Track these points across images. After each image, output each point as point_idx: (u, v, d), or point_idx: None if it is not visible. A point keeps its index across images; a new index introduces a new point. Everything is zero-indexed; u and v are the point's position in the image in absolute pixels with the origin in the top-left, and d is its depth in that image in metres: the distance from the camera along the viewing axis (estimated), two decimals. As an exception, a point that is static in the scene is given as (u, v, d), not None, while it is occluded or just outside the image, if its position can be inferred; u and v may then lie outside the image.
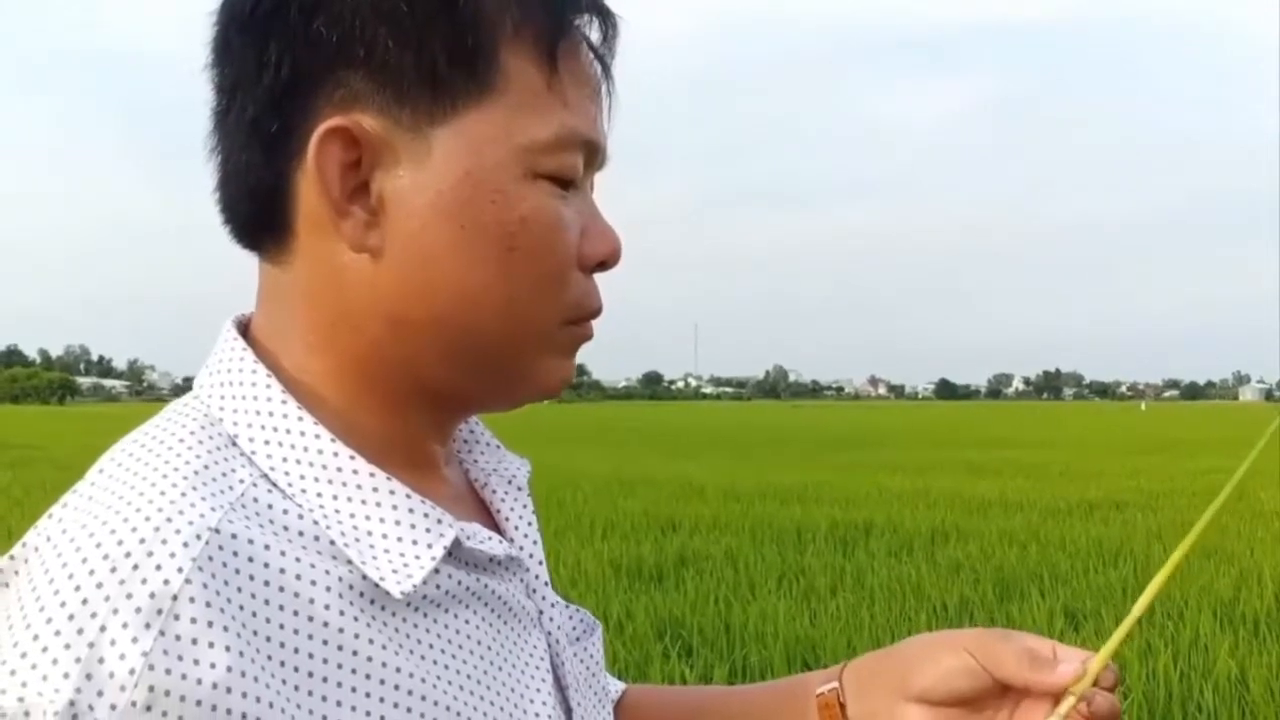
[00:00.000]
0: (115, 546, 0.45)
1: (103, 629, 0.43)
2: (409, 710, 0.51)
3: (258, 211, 0.57)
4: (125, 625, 0.43)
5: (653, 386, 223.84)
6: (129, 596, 0.44)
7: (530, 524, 0.66)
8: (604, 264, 0.60)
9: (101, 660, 0.42)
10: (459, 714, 0.53)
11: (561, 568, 6.82)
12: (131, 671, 0.42)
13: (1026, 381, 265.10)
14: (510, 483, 0.67)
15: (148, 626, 0.43)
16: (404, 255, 0.54)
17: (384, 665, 0.51)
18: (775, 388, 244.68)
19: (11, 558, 0.49)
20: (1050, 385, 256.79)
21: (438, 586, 0.55)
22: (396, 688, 0.51)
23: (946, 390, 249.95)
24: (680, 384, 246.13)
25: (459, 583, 0.57)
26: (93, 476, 0.52)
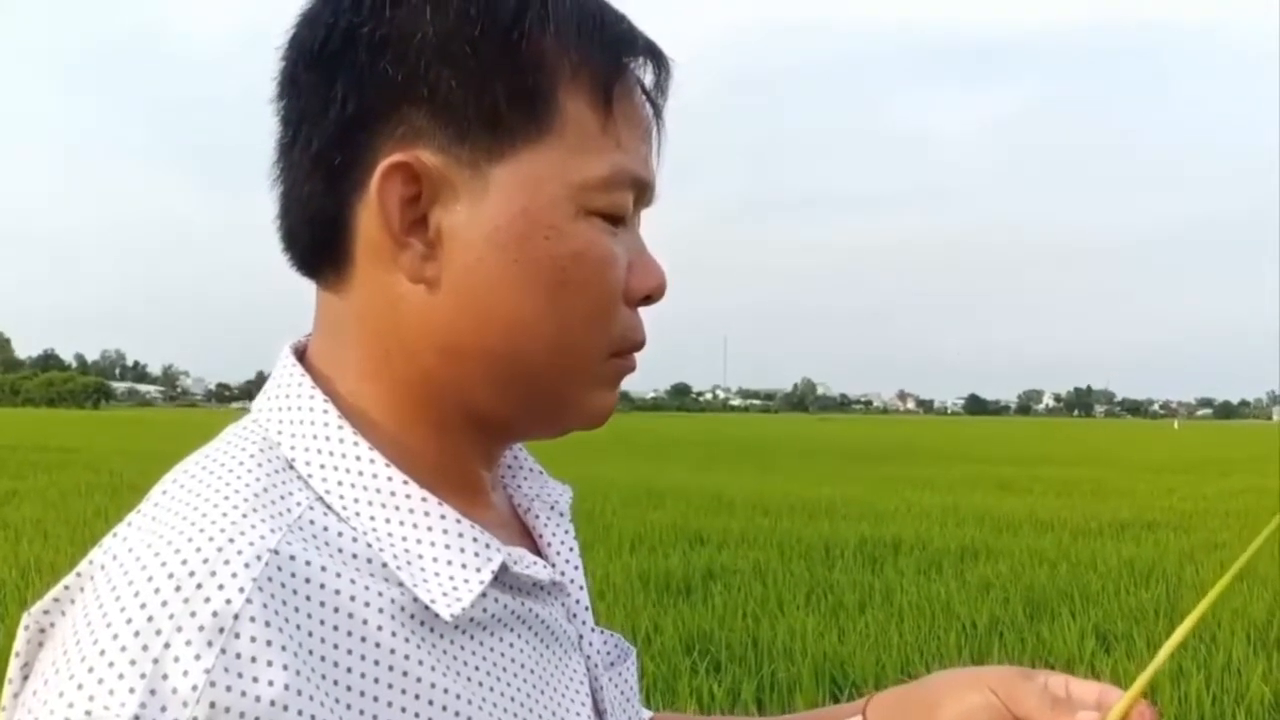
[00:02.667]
0: (180, 566, 0.47)
1: (167, 646, 0.44)
2: None
3: (318, 241, 0.59)
4: (189, 643, 0.45)
5: (681, 398, 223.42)
6: (193, 615, 0.45)
7: (572, 549, 0.68)
8: (649, 298, 0.62)
9: (165, 676, 0.44)
10: None
11: (590, 579, 6.83)
12: (194, 688, 0.44)
13: (1057, 398, 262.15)
14: (553, 508, 0.69)
15: (210, 644, 0.45)
16: (459, 287, 0.57)
17: (432, 686, 0.52)
18: (803, 400, 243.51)
19: (78, 574, 0.51)
20: (1081, 402, 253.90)
21: (484, 610, 0.57)
22: (444, 708, 0.52)
23: (976, 406, 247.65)
24: (708, 396, 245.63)
25: (504, 606, 0.58)
26: (156, 497, 0.54)
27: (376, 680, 0.51)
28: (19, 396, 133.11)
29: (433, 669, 0.53)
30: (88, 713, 0.43)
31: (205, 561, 0.47)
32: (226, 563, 0.47)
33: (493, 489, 0.66)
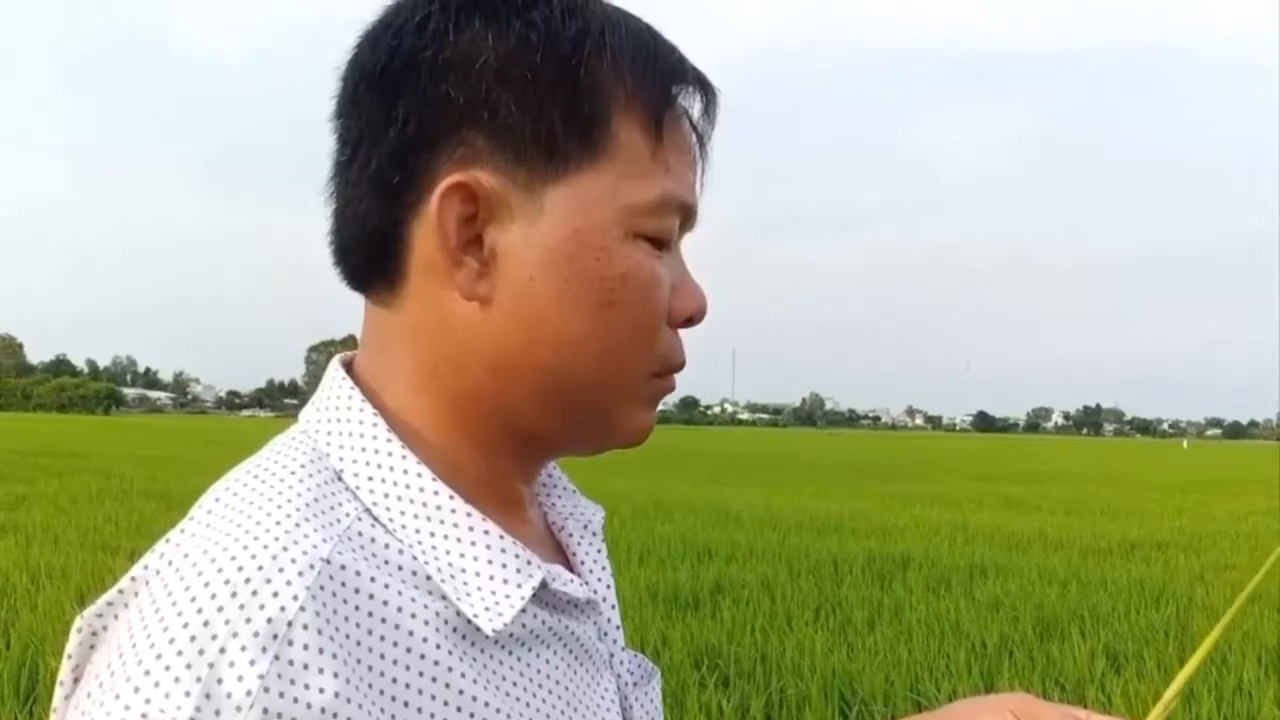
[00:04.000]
0: (235, 572, 0.47)
1: (222, 651, 0.45)
2: None
3: (373, 256, 0.60)
4: (244, 649, 0.45)
5: (689, 411, 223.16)
6: (247, 621, 0.46)
7: (604, 569, 0.69)
8: (691, 320, 0.64)
9: (220, 681, 0.45)
10: None
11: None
12: (248, 693, 0.44)
13: (1066, 416, 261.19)
14: (586, 528, 0.70)
15: (264, 651, 0.45)
16: (511, 304, 0.58)
17: (474, 699, 0.53)
18: (811, 415, 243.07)
19: (132, 579, 0.52)
20: (1090, 420, 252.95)
21: (523, 625, 0.58)
22: None
23: (984, 422, 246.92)
24: (717, 409, 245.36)
25: (543, 623, 0.59)
26: (208, 505, 0.55)
27: (420, 691, 0.51)
28: (30, 402, 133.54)
29: (474, 682, 0.54)
30: (143, 715, 0.44)
31: (260, 569, 0.48)
32: (280, 570, 0.48)
33: (530, 505, 0.67)
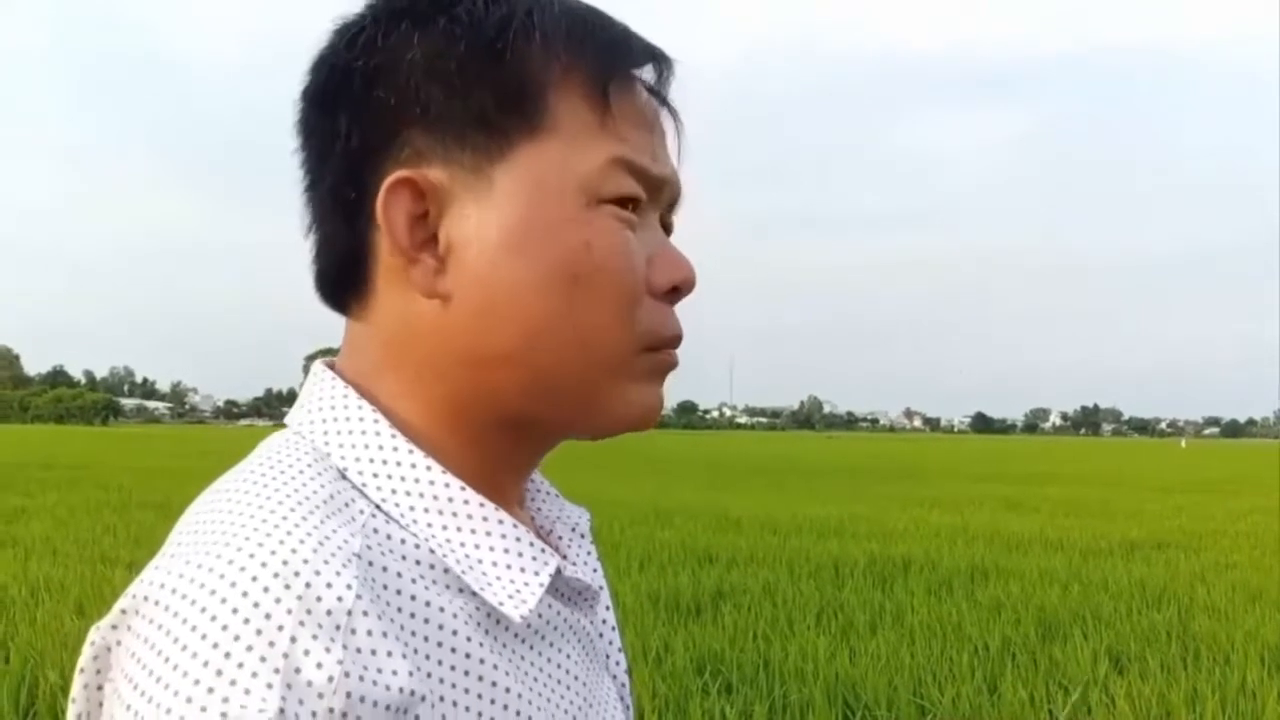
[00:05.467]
0: (282, 565, 0.46)
1: (293, 640, 0.44)
2: None
3: (342, 273, 0.60)
4: (314, 637, 0.44)
5: (687, 415, 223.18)
6: (309, 612, 0.45)
7: (596, 570, 0.68)
8: (677, 290, 0.61)
9: (298, 670, 0.43)
10: None
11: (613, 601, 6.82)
12: (330, 679, 0.44)
13: (1064, 416, 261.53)
14: (574, 530, 0.69)
15: (334, 639, 0.45)
16: (472, 295, 0.56)
17: (507, 691, 0.53)
18: (810, 418, 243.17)
19: (148, 585, 0.49)
20: (1088, 420, 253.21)
21: (540, 616, 0.58)
22: (518, 713, 0.53)
23: (982, 424, 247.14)
24: (715, 413, 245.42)
25: (558, 614, 0.59)
26: (211, 507, 0.53)
27: (455, 685, 0.51)
28: (28, 413, 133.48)
29: (506, 674, 0.54)
30: (223, 714, 0.42)
31: (305, 562, 0.47)
32: (326, 562, 0.47)
33: (523, 505, 0.67)
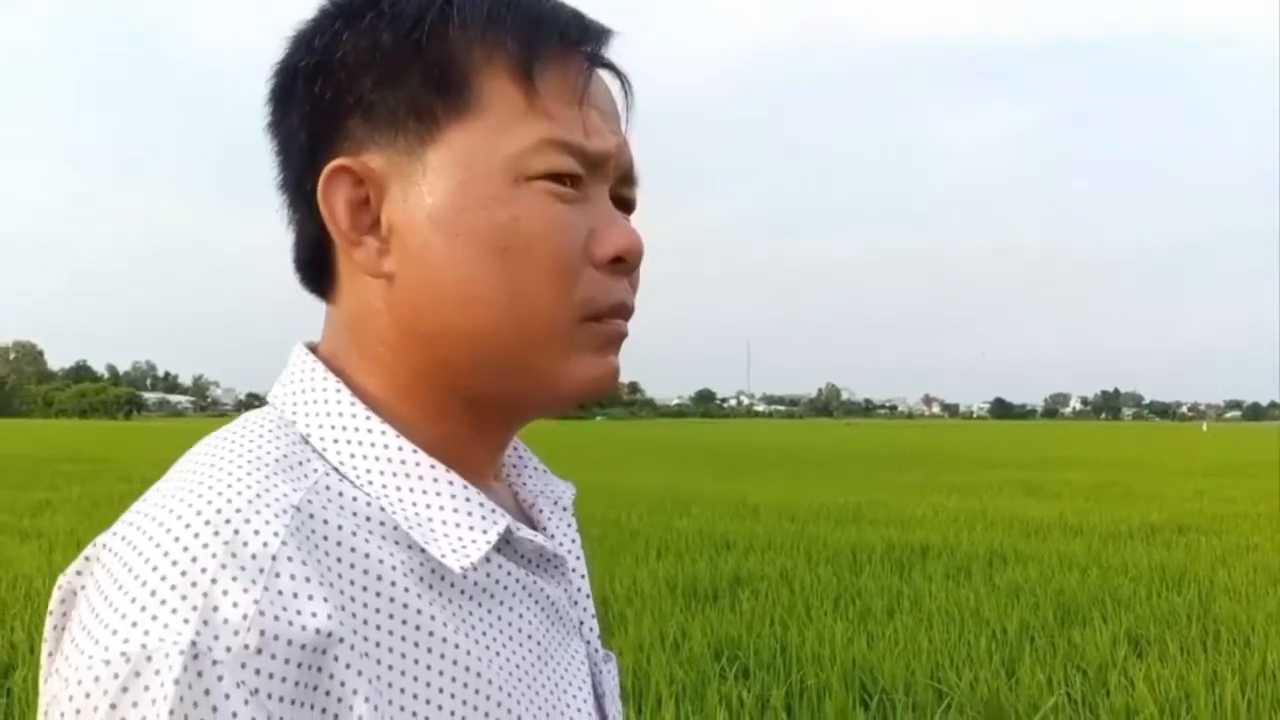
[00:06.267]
0: (215, 514, 0.50)
1: (214, 581, 0.47)
2: (465, 686, 0.55)
3: (311, 261, 0.64)
4: (234, 579, 0.48)
5: (705, 404, 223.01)
6: (234, 555, 0.48)
7: (575, 541, 0.70)
8: (621, 260, 0.61)
9: (216, 608, 0.47)
10: (511, 698, 0.58)
11: (618, 586, 6.86)
12: (244, 617, 0.47)
13: (1084, 401, 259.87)
14: (556, 504, 0.71)
15: (254, 581, 0.48)
16: (413, 273, 0.59)
17: (444, 641, 0.55)
18: (828, 406, 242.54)
19: (111, 534, 0.53)
20: (1109, 405, 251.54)
21: (488, 575, 0.60)
22: (455, 663, 0.55)
23: (1001, 409, 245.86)
24: (733, 402, 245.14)
25: (511, 576, 0.61)
26: (178, 466, 0.57)
27: (392, 633, 0.53)
28: (52, 408, 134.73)
29: (445, 625, 0.56)
30: (143, 645, 0.46)
31: (238, 511, 0.50)
32: (258, 512, 0.51)
33: (496, 479, 0.69)
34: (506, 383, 0.61)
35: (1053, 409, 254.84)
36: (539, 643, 0.62)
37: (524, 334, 0.59)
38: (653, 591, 6.74)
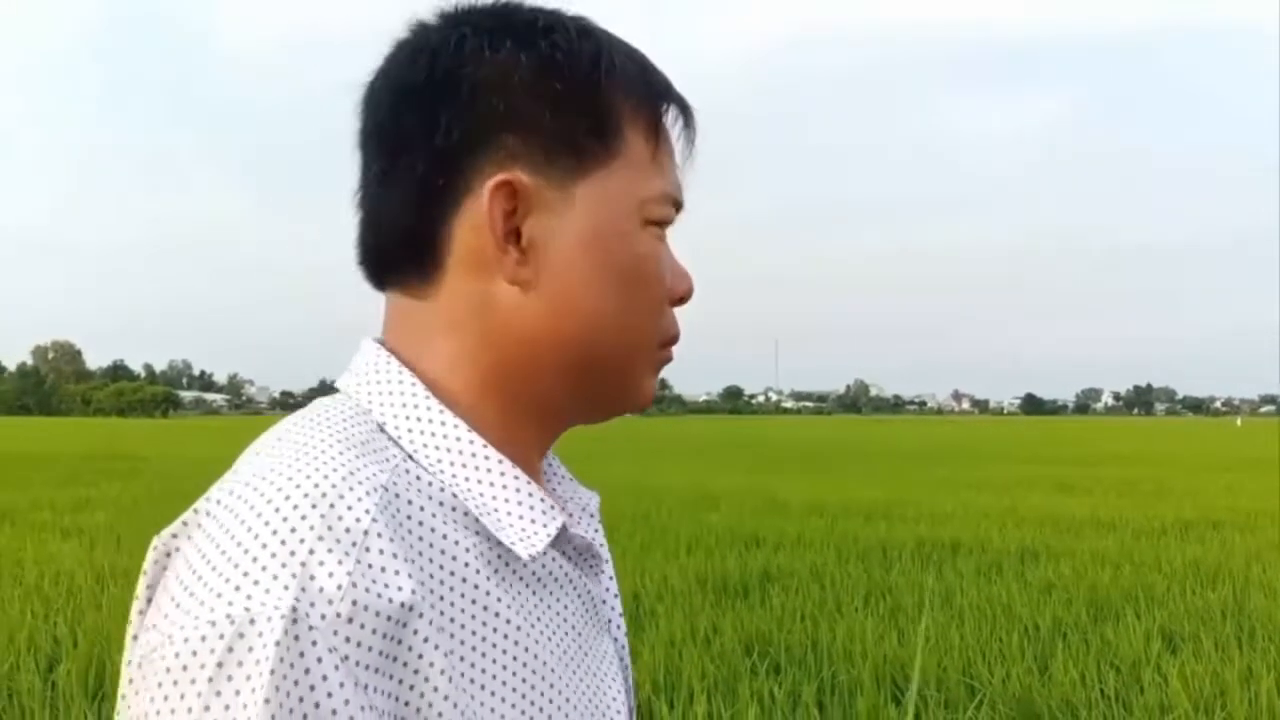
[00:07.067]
0: (313, 488, 0.54)
1: (311, 551, 0.52)
2: (524, 665, 0.61)
3: (408, 253, 0.66)
4: (330, 550, 0.52)
5: (733, 400, 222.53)
6: (330, 528, 0.53)
7: (602, 545, 0.75)
8: (683, 299, 0.73)
9: (313, 578, 0.51)
10: (562, 680, 0.64)
11: (648, 581, 6.89)
12: (339, 588, 0.51)
13: (1116, 396, 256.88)
14: (584, 509, 0.77)
15: (347, 554, 0.52)
16: (550, 286, 0.65)
17: (508, 622, 0.60)
18: (856, 402, 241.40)
19: (207, 500, 0.57)
20: (1141, 400, 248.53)
21: (544, 566, 0.65)
22: (516, 643, 0.61)
23: (1033, 405, 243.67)
24: (761, 398, 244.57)
25: (560, 567, 0.67)
26: (265, 446, 0.61)
27: (463, 610, 0.58)
28: (90, 406, 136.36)
29: (509, 607, 0.61)
30: (246, 609, 0.50)
31: (334, 486, 0.55)
32: (350, 489, 0.55)
33: (540, 479, 0.74)
34: (586, 391, 0.69)
35: (1084, 404, 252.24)
36: (580, 634, 0.68)
37: (625, 352, 0.69)
38: (683, 587, 6.77)
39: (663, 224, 0.69)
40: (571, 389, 0.68)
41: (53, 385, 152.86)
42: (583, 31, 0.67)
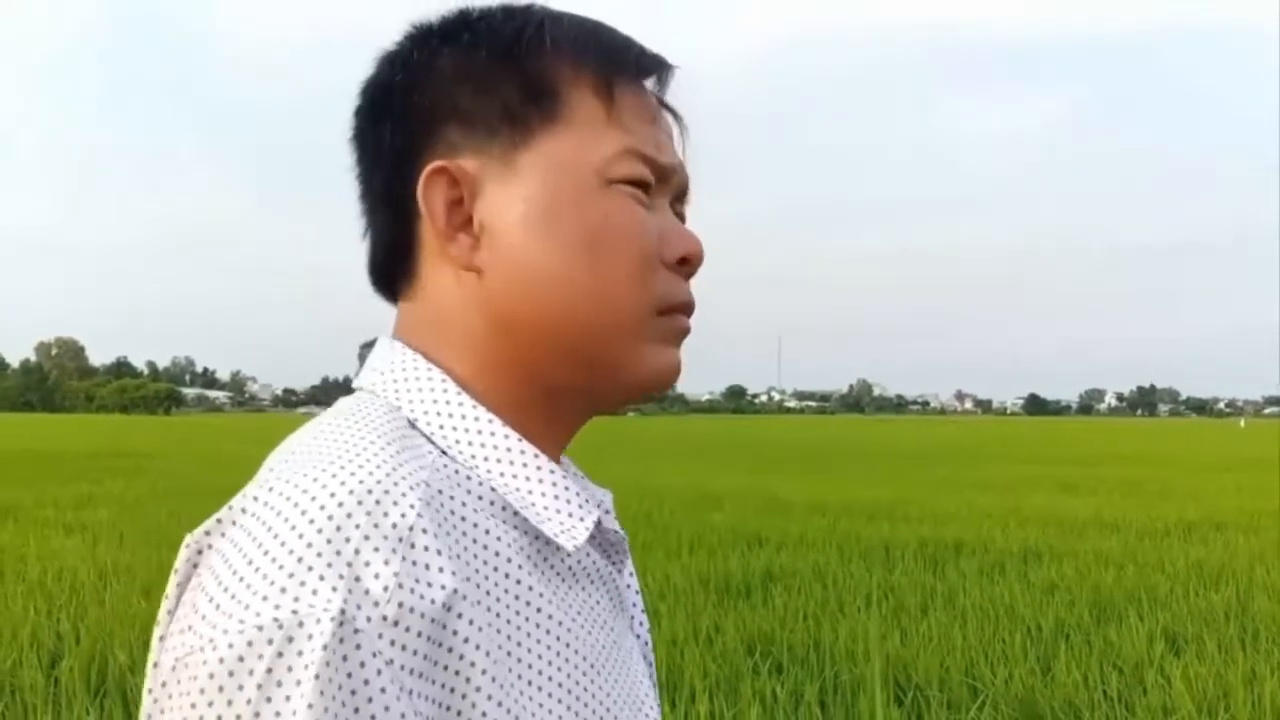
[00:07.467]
0: (358, 485, 0.53)
1: (357, 552, 0.50)
2: (562, 656, 0.60)
3: (393, 262, 0.68)
4: (377, 550, 0.51)
5: (736, 400, 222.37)
6: (375, 527, 0.51)
7: (623, 541, 0.76)
8: (686, 261, 0.67)
9: (359, 579, 0.50)
10: (597, 671, 0.63)
11: (650, 581, 6.89)
12: (385, 589, 0.50)
13: (1120, 397, 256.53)
14: (599, 506, 0.75)
15: (394, 552, 0.51)
16: (504, 265, 0.64)
17: (549, 617, 0.60)
18: (859, 402, 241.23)
19: (244, 498, 0.55)
20: (1145, 401, 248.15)
21: (579, 561, 0.65)
22: (558, 638, 0.60)
23: (1036, 405, 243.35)
24: (763, 398, 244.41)
25: (594, 562, 0.66)
26: (295, 447, 0.60)
27: (506, 605, 0.58)
28: (93, 403, 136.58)
29: (550, 602, 0.61)
30: (294, 611, 0.49)
31: (378, 483, 0.53)
32: (396, 485, 0.54)
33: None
34: (584, 370, 0.66)
35: (1088, 405, 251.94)
36: (612, 629, 0.67)
37: (606, 323, 0.64)
38: (685, 586, 6.76)
39: (636, 182, 0.65)
40: (566, 370, 0.65)
41: (56, 382, 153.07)
42: (509, 14, 0.67)
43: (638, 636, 0.73)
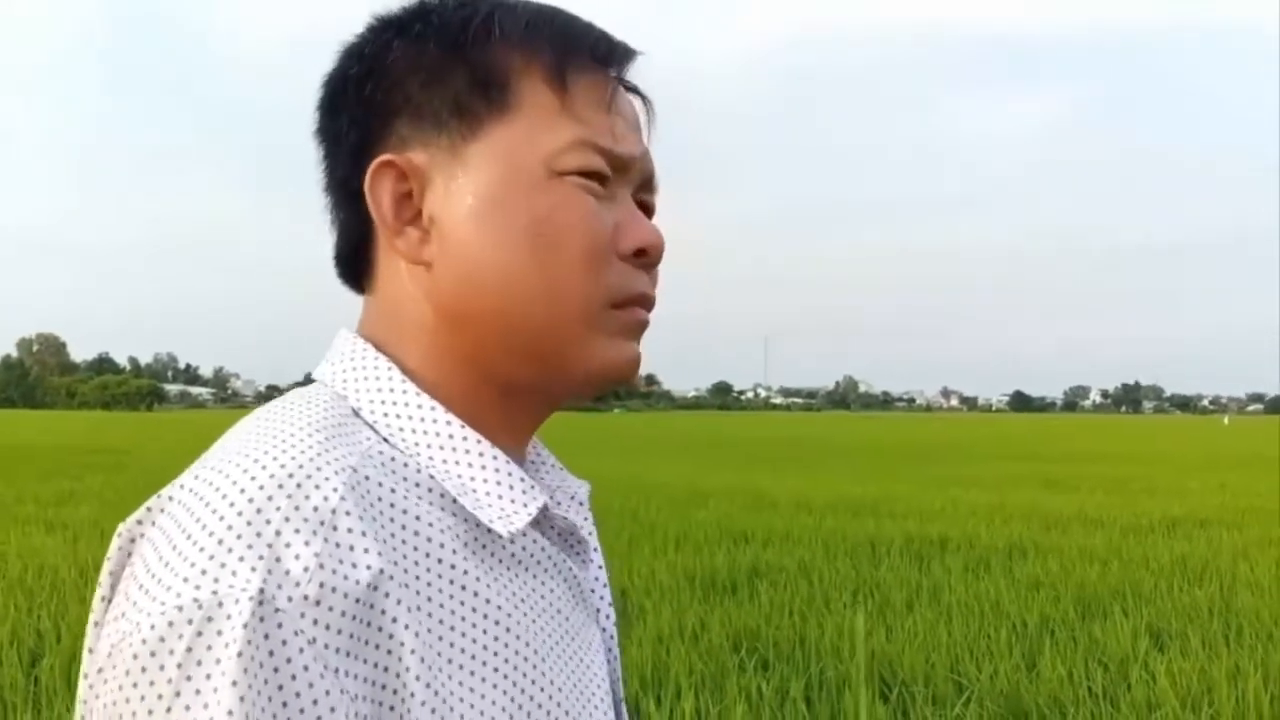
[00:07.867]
0: (279, 469, 0.53)
1: (278, 533, 0.51)
2: (499, 640, 0.59)
3: (354, 256, 0.68)
4: (297, 531, 0.51)
5: (722, 397, 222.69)
6: (297, 509, 0.52)
7: (591, 534, 0.74)
8: (644, 253, 0.66)
9: (279, 560, 0.50)
10: (543, 659, 0.62)
11: (636, 578, 6.88)
12: (305, 569, 0.50)
13: (1104, 394, 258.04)
14: (573, 498, 0.74)
15: (315, 534, 0.51)
16: (452, 259, 0.63)
17: (487, 601, 0.59)
18: (845, 399, 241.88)
19: (174, 486, 0.56)
20: (1129, 398, 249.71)
21: (524, 548, 0.63)
22: (496, 622, 0.59)
23: (1021, 402, 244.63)
24: (750, 394, 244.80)
25: (543, 549, 0.65)
26: (237, 432, 0.61)
27: (437, 589, 0.57)
28: (75, 399, 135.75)
29: (488, 586, 0.60)
30: (214, 592, 0.49)
31: (301, 468, 0.54)
32: (319, 469, 0.54)
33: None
34: (536, 365, 0.65)
35: (1072, 402, 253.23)
36: (566, 618, 0.66)
37: (555, 316, 0.63)
38: (671, 583, 6.76)
39: (588, 174, 0.64)
40: (516, 364, 0.64)
41: (37, 378, 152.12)
42: (461, 3, 0.66)
43: (603, 630, 0.72)
